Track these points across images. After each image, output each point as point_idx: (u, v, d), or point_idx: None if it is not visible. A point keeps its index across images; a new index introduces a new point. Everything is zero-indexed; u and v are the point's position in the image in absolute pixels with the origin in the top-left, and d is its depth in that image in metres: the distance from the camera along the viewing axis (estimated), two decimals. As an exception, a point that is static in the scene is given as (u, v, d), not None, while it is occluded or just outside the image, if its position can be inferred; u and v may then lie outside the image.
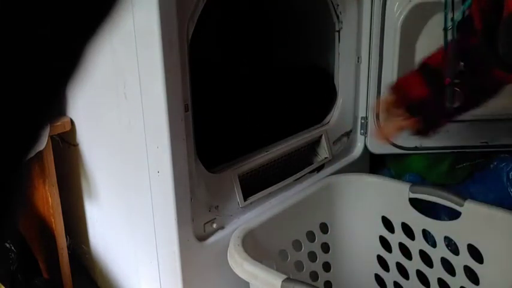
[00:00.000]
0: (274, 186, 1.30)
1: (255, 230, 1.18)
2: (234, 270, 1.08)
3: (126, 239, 1.30)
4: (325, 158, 1.47)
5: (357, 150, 1.57)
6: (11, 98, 0.27)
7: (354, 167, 1.56)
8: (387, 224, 1.39)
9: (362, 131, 1.56)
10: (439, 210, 1.42)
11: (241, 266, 1.06)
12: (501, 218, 1.21)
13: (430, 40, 1.46)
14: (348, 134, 1.54)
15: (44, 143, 1.21)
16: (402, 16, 1.41)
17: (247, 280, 1.06)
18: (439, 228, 1.31)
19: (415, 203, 1.34)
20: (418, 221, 1.33)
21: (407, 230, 1.36)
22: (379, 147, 1.56)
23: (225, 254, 1.14)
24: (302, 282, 0.99)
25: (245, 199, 1.23)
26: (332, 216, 1.40)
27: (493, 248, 1.22)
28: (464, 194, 1.50)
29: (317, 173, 1.45)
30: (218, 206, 1.17)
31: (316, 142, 1.47)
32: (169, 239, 1.10)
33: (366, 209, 1.41)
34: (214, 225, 1.17)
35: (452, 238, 1.28)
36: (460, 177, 1.59)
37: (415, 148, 1.53)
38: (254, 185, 1.28)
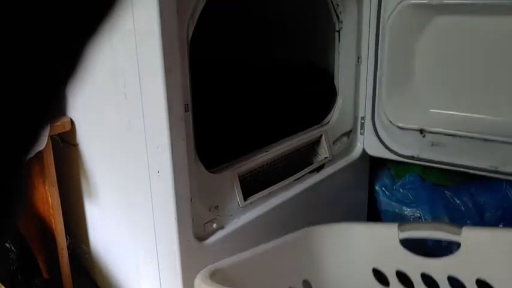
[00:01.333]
0: (274, 186, 1.30)
1: (224, 272, 1.03)
2: None
3: (126, 239, 1.29)
4: (325, 158, 1.47)
5: (357, 150, 1.57)
6: (11, 98, 0.27)
7: (353, 167, 1.56)
8: (379, 276, 1.20)
9: (362, 131, 1.56)
10: (433, 245, 1.29)
11: None
12: (505, 239, 1.07)
13: (428, 43, 1.43)
14: (348, 134, 1.54)
15: (44, 143, 1.21)
16: (392, 17, 1.39)
17: None
18: (440, 268, 1.12)
19: (405, 242, 1.17)
20: (414, 265, 1.14)
21: (404, 279, 1.17)
22: (376, 150, 1.54)
23: (225, 253, 1.14)
24: None
25: (245, 199, 1.22)
26: (315, 272, 1.19)
27: (505, 277, 1.06)
28: (465, 195, 1.49)
29: (317, 173, 1.45)
30: (218, 206, 1.17)
31: (316, 142, 1.47)
32: (169, 239, 1.10)
33: (353, 263, 1.20)
34: (214, 225, 1.17)
35: (457, 276, 1.11)
36: (460, 178, 1.59)
37: (411, 157, 1.47)
38: (254, 185, 1.28)
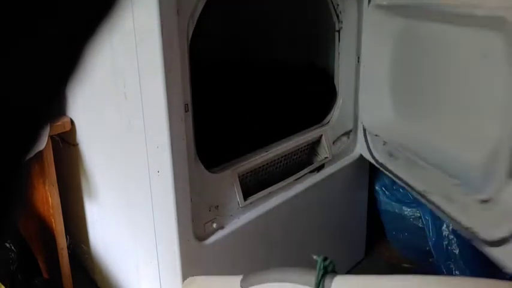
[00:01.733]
0: (274, 186, 1.30)
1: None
2: None
3: (126, 239, 1.29)
4: (325, 157, 1.47)
5: (357, 150, 1.57)
6: (11, 97, 0.27)
7: (353, 167, 1.56)
8: None
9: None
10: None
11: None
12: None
13: (390, 48, 1.33)
14: (348, 133, 1.54)
15: (44, 143, 1.21)
16: (365, 19, 1.39)
17: None
18: None
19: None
20: None
21: None
22: (364, 152, 1.53)
23: (225, 253, 1.14)
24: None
25: (245, 199, 1.22)
26: None
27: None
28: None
29: (317, 172, 1.45)
30: (218, 206, 1.17)
31: (316, 142, 1.47)
32: (169, 239, 1.10)
33: None
34: (214, 225, 1.17)
35: None
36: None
37: (382, 165, 1.44)
38: (254, 185, 1.28)
